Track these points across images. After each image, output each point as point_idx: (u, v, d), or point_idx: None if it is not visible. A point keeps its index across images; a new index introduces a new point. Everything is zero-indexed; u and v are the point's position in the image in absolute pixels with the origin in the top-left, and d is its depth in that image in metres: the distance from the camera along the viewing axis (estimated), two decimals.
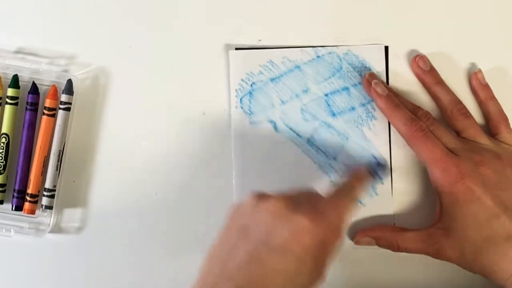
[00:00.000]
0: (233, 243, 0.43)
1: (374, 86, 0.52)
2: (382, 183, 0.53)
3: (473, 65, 0.54)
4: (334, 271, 0.54)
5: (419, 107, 0.52)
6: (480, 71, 0.54)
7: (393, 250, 0.52)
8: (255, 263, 0.41)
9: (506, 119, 0.53)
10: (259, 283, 0.41)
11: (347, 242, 0.53)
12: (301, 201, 0.44)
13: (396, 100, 0.51)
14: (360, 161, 0.53)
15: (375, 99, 0.52)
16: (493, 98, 0.53)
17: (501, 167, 0.49)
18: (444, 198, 0.49)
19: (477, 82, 0.53)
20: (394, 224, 0.54)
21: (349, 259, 0.54)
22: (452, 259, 0.49)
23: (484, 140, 0.51)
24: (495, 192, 0.48)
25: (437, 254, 0.50)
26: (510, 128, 0.52)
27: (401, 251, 0.51)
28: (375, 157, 0.53)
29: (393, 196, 0.54)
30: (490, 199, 0.47)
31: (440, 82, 0.53)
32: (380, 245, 0.52)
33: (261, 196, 0.44)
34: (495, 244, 0.47)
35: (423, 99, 0.54)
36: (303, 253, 0.42)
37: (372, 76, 0.53)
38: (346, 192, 0.48)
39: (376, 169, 0.53)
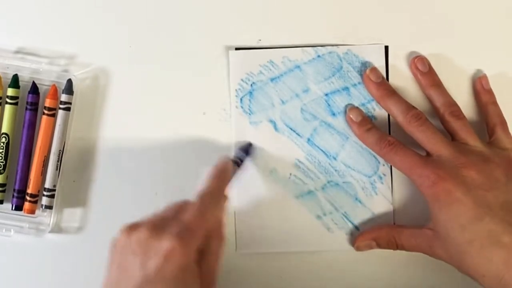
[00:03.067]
0: (116, 284, 0.43)
1: (350, 113, 0.53)
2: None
3: (473, 65, 0.55)
4: (334, 273, 0.54)
5: (413, 107, 0.52)
6: (485, 76, 0.54)
7: (393, 249, 0.52)
8: None
9: (503, 122, 0.53)
10: None
11: (347, 247, 0.54)
12: (168, 220, 0.44)
13: (368, 125, 0.53)
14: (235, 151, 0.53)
15: (355, 133, 0.53)
16: (494, 103, 0.53)
17: (488, 169, 0.48)
18: (428, 202, 0.49)
19: (480, 86, 0.54)
20: (394, 223, 0.54)
21: (349, 262, 0.54)
22: (444, 259, 0.50)
23: (475, 142, 0.50)
24: (479, 192, 0.47)
25: (430, 253, 0.50)
26: (507, 131, 0.52)
27: (400, 249, 0.52)
28: (238, 146, 0.53)
29: (393, 195, 0.54)
30: (472, 200, 0.47)
31: (436, 84, 0.53)
32: (380, 246, 0.52)
33: (130, 228, 0.44)
34: (479, 247, 0.46)
35: (422, 98, 0.54)
36: (179, 272, 0.41)
37: (373, 72, 0.53)
38: (212, 193, 0.47)
39: (241, 156, 0.52)
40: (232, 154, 0.53)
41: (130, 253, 0.42)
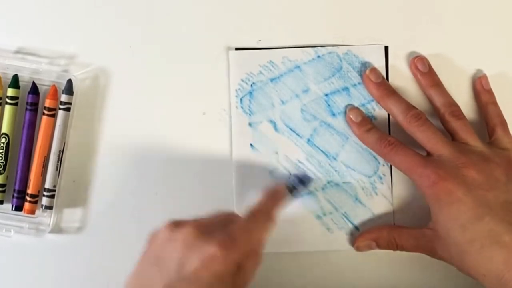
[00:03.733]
0: (148, 276, 0.43)
1: (350, 113, 0.53)
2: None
3: (473, 65, 0.55)
4: (334, 273, 0.54)
5: (413, 106, 0.52)
6: (485, 76, 0.54)
7: (393, 249, 0.52)
8: None
9: (503, 122, 0.53)
10: None
11: (347, 247, 0.54)
12: (215, 226, 0.44)
13: (368, 125, 0.53)
14: (285, 177, 0.54)
15: (355, 134, 0.53)
16: (494, 103, 0.53)
17: (488, 168, 0.48)
18: (429, 202, 0.49)
19: (480, 86, 0.54)
20: (394, 224, 0.54)
21: (349, 262, 0.54)
22: (444, 259, 0.50)
23: (475, 142, 0.50)
24: (479, 192, 0.47)
25: (430, 253, 0.50)
26: (507, 131, 0.52)
27: (400, 249, 0.52)
28: (296, 174, 0.53)
29: (393, 196, 0.54)
30: (472, 200, 0.47)
31: (436, 84, 0.53)
32: (380, 246, 0.52)
33: (175, 224, 0.44)
34: (480, 246, 0.46)
35: (422, 98, 0.54)
36: (214, 280, 0.41)
37: (373, 72, 0.53)
38: (262, 213, 0.47)
39: (296, 185, 0.53)
40: (287, 179, 0.53)
41: (171, 247, 0.43)
